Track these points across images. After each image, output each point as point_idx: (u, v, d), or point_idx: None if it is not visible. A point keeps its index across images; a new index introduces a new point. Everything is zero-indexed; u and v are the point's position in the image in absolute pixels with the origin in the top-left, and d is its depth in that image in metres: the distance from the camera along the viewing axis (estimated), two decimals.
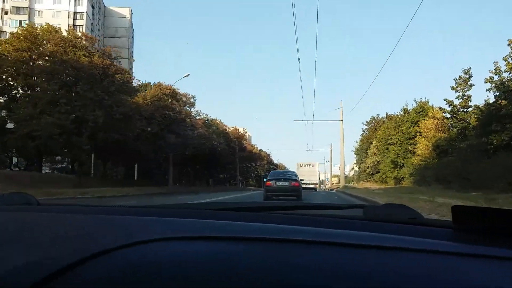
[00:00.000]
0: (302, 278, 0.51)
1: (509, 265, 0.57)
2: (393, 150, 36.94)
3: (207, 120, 47.05)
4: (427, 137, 29.95)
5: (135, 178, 35.25)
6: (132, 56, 71.90)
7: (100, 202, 11.61)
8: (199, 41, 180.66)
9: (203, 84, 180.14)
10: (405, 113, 37.06)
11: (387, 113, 56.36)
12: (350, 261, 0.57)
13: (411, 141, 34.47)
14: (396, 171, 36.88)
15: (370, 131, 52.43)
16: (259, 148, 78.50)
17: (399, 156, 36.02)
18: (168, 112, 30.33)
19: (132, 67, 57.81)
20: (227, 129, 53.94)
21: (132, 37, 75.78)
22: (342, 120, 36.75)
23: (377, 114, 56.95)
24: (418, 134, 32.48)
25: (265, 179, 14.94)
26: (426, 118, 31.26)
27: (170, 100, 31.40)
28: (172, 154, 29.68)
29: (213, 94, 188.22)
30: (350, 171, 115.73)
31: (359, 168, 61.21)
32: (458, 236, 0.71)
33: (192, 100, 39.93)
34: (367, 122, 54.51)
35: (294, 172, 16.01)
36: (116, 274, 0.53)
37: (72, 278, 0.52)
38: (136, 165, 35.59)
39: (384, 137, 41.14)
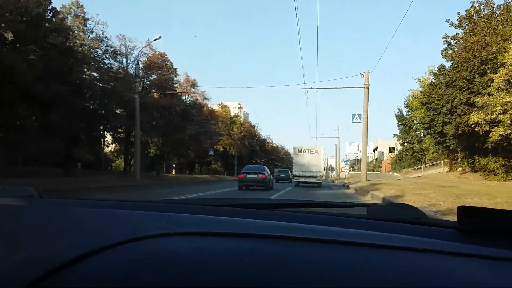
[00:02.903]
0: (306, 276, 0.51)
1: None
2: None
3: None
4: None
5: None
6: None
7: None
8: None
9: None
10: None
11: None
12: (353, 260, 0.57)
13: None
14: None
15: (469, 38, 20.30)
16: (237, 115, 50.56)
17: None
18: None
19: None
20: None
21: None
22: None
23: None
24: None
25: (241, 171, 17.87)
26: None
27: None
28: None
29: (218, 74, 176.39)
30: (374, 151, 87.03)
31: (409, 142, 32.90)
32: (462, 236, 0.72)
33: None
34: (458, 22, 21.89)
35: (263, 166, 19.44)
36: (121, 269, 0.53)
37: (76, 273, 0.51)
38: None
39: None
